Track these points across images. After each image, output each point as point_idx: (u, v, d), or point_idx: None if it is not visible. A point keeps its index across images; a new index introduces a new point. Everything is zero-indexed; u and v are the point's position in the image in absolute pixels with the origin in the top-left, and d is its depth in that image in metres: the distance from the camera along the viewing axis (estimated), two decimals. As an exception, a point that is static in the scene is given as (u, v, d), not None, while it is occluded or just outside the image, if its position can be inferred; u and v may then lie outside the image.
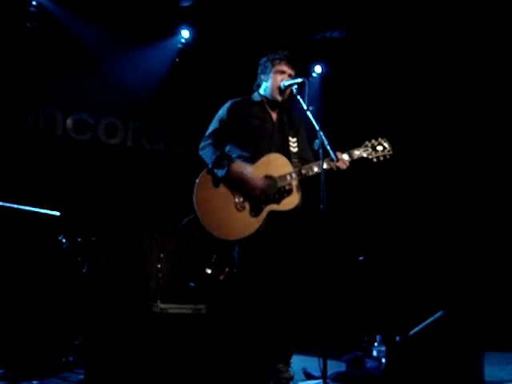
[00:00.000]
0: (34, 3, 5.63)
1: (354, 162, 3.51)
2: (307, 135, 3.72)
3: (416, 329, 2.94)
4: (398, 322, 5.14)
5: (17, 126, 5.93)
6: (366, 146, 3.54)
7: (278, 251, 3.48)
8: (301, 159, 3.54)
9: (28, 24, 5.67)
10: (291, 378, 3.47)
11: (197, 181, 3.49)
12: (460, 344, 2.99)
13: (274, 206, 3.40)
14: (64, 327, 4.11)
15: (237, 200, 3.40)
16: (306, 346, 3.86)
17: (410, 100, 6.31)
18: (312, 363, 3.70)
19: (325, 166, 3.31)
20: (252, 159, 3.48)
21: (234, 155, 3.52)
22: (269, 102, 3.63)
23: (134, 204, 6.24)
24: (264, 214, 3.38)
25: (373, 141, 3.55)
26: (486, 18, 5.52)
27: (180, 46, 6.36)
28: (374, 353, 4.12)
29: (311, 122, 3.32)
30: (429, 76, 6.16)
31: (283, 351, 3.50)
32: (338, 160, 3.33)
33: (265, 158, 3.46)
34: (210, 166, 3.46)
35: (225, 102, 3.68)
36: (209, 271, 5.40)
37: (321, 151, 3.20)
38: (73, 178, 5.95)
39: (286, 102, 3.65)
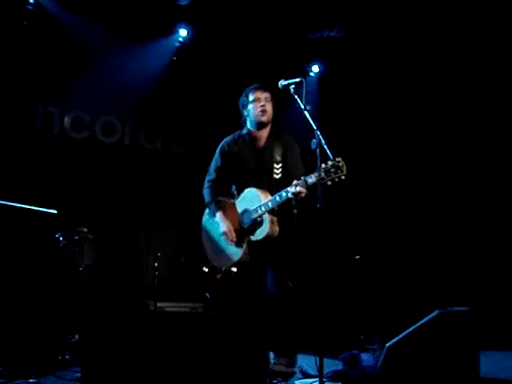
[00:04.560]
0: (31, 1, 5.62)
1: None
2: (304, 138, 3.71)
3: (412, 328, 2.95)
4: (395, 320, 5.15)
5: (14, 125, 5.93)
6: (320, 169, 3.35)
7: (264, 270, 3.78)
8: (285, 185, 3.57)
9: (25, 22, 5.66)
10: (290, 375, 3.51)
11: (202, 221, 3.99)
12: (456, 342, 3.01)
13: (250, 237, 3.71)
14: (61, 325, 4.11)
15: (223, 232, 3.77)
16: (303, 344, 3.87)
17: (407, 99, 6.33)
18: (309, 361, 3.71)
19: (283, 196, 3.47)
20: (240, 191, 3.82)
21: (233, 190, 3.91)
22: (257, 128, 3.81)
23: (132, 202, 6.24)
24: (244, 243, 3.71)
25: (329, 162, 3.35)
26: (486, 18, 5.53)
27: (178, 44, 6.36)
28: (371, 351, 4.12)
29: (308, 122, 3.33)
30: (426, 75, 6.17)
31: (286, 348, 3.59)
32: (334, 158, 3.33)
33: (243, 194, 3.77)
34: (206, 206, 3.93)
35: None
36: (206, 270, 5.40)
37: (318, 151, 3.21)
38: (70, 176, 5.95)
39: (273, 122, 3.82)
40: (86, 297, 4.49)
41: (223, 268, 3.85)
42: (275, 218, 3.66)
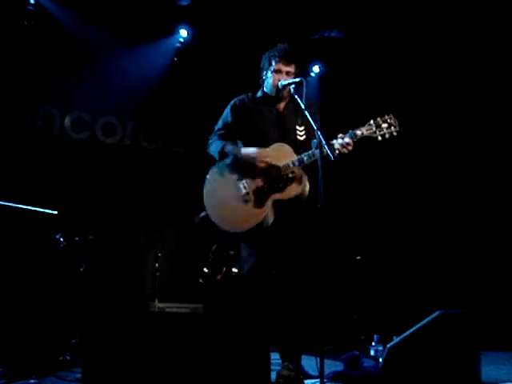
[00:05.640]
0: (31, 1, 5.61)
1: (356, 147, 3.39)
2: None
3: (413, 328, 2.94)
4: (396, 321, 5.15)
5: (14, 125, 5.92)
6: (370, 124, 3.41)
7: (287, 246, 3.49)
8: (310, 148, 3.48)
9: (26, 23, 5.66)
10: (292, 378, 3.48)
11: (206, 176, 3.59)
12: (457, 344, 3.00)
13: (277, 195, 3.42)
14: (61, 326, 4.11)
15: (242, 192, 3.44)
16: (304, 345, 3.86)
17: (407, 100, 6.32)
18: (309, 362, 3.71)
19: (324, 152, 3.23)
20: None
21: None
22: (272, 97, 3.65)
23: (132, 203, 6.23)
24: (269, 203, 3.41)
25: (378, 118, 3.41)
26: (486, 18, 5.52)
27: (178, 45, 6.35)
28: (372, 352, 4.12)
29: (309, 122, 3.32)
30: (427, 76, 6.17)
31: (290, 350, 3.51)
32: (335, 158, 3.32)
33: (269, 148, 3.48)
34: (217, 157, 3.53)
35: (227, 100, 3.72)
36: (206, 270, 5.40)
37: (318, 151, 3.20)
38: (70, 176, 5.94)
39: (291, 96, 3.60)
40: (87, 297, 4.48)
41: (239, 230, 3.46)
42: (306, 177, 3.45)
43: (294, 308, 3.49)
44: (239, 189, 3.46)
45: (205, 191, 3.56)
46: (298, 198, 3.46)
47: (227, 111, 3.67)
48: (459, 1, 5.48)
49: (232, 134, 3.62)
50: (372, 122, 3.41)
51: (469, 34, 5.69)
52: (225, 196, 3.47)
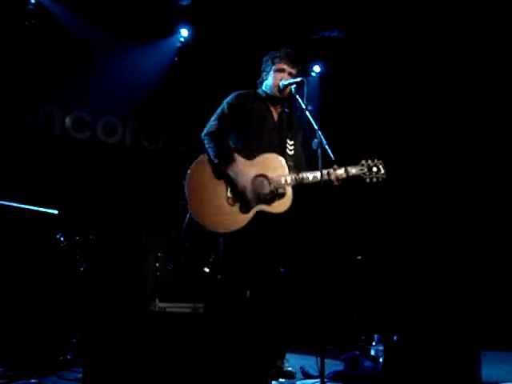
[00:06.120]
0: (32, 1, 5.62)
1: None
2: (305, 136, 3.73)
3: (413, 328, 2.95)
4: (396, 321, 5.15)
5: (15, 124, 5.92)
6: (363, 165, 3.53)
7: (262, 250, 3.50)
8: (296, 164, 3.56)
9: (26, 22, 5.66)
10: (292, 375, 3.50)
11: (192, 166, 3.53)
12: (457, 343, 3.00)
13: (263, 207, 3.43)
14: (62, 325, 4.11)
15: (229, 194, 3.43)
16: (304, 345, 3.86)
17: (408, 100, 6.32)
18: (310, 362, 3.71)
19: (318, 177, 3.32)
20: (250, 151, 3.51)
21: (233, 143, 3.58)
22: (270, 98, 3.66)
23: (133, 203, 6.23)
24: (252, 212, 3.40)
25: (369, 161, 3.55)
26: (486, 18, 5.52)
27: (179, 44, 6.37)
28: (372, 352, 4.12)
29: (310, 122, 3.33)
30: (427, 76, 6.16)
31: (279, 346, 3.55)
32: (335, 161, 3.35)
33: (262, 157, 3.49)
34: (214, 159, 3.49)
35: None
36: (207, 270, 5.40)
37: (319, 151, 3.21)
38: (71, 176, 5.95)
39: (287, 101, 3.67)
40: (87, 297, 4.48)
41: (218, 231, 3.41)
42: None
43: (278, 305, 3.49)
44: (227, 189, 3.45)
45: (189, 183, 3.48)
46: (280, 213, 3.46)
47: (227, 100, 3.65)
48: (459, 0, 5.48)
49: (227, 125, 3.59)
50: (364, 162, 3.54)
51: (469, 33, 5.69)
52: (211, 193, 3.44)
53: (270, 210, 3.42)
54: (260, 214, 3.42)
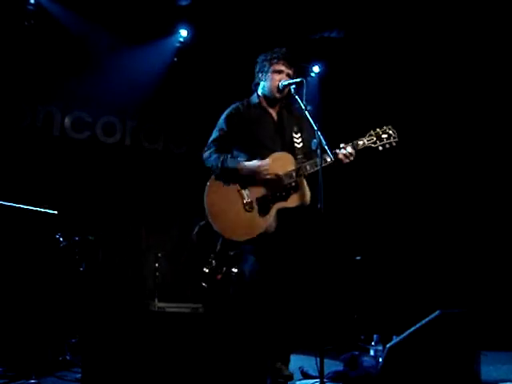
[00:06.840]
0: (31, 1, 5.62)
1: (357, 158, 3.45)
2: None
3: (413, 328, 2.94)
4: (395, 321, 5.15)
5: (15, 125, 5.91)
6: (371, 135, 3.50)
7: (290, 251, 3.48)
8: (307, 154, 3.53)
9: (26, 22, 5.66)
10: (290, 377, 3.48)
11: (207, 183, 3.54)
12: (457, 343, 3.00)
13: (281, 204, 3.43)
14: (61, 326, 4.11)
15: (245, 201, 3.43)
16: (304, 345, 3.86)
17: (407, 100, 6.32)
18: (309, 362, 3.71)
19: (328, 160, 3.30)
20: (256, 159, 3.49)
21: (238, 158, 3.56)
22: (268, 100, 3.65)
23: (132, 203, 6.23)
24: (273, 212, 3.41)
25: (377, 129, 3.52)
26: (486, 18, 5.52)
27: (178, 45, 6.37)
28: (371, 352, 4.12)
29: (309, 122, 3.33)
30: (427, 76, 6.17)
31: (282, 350, 3.52)
32: (335, 160, 3.35)
33: (268, 158, 3.47)
34: (219, 171, 3.48)
35: (225, 104, 3.70)
36: (206, 270, 5.39)
37: (319, 151, 3.21)
38: (70, 176, 5.94)
39: (286, 98, 3.65)
40: (86, 297, 4.48)
41: (240, 239, 3.39)
42: (306, 183, 3.46)
43: (287, 309, 3.48)
44: (243, 197, 3.45)
45: (207, 200, 3.50)
46: (300, 206, 3.46)
47: (221, 121, 3.64)
48: (459, 0, 5.49)
49: (228, 143, 3.59)
50: (372, 132, 3.51)
51: (469, 33, 5.70)
52: (228, 204, 3.44)
53: (288, 206, 3.42)
54: (281, 212, 3.41)
